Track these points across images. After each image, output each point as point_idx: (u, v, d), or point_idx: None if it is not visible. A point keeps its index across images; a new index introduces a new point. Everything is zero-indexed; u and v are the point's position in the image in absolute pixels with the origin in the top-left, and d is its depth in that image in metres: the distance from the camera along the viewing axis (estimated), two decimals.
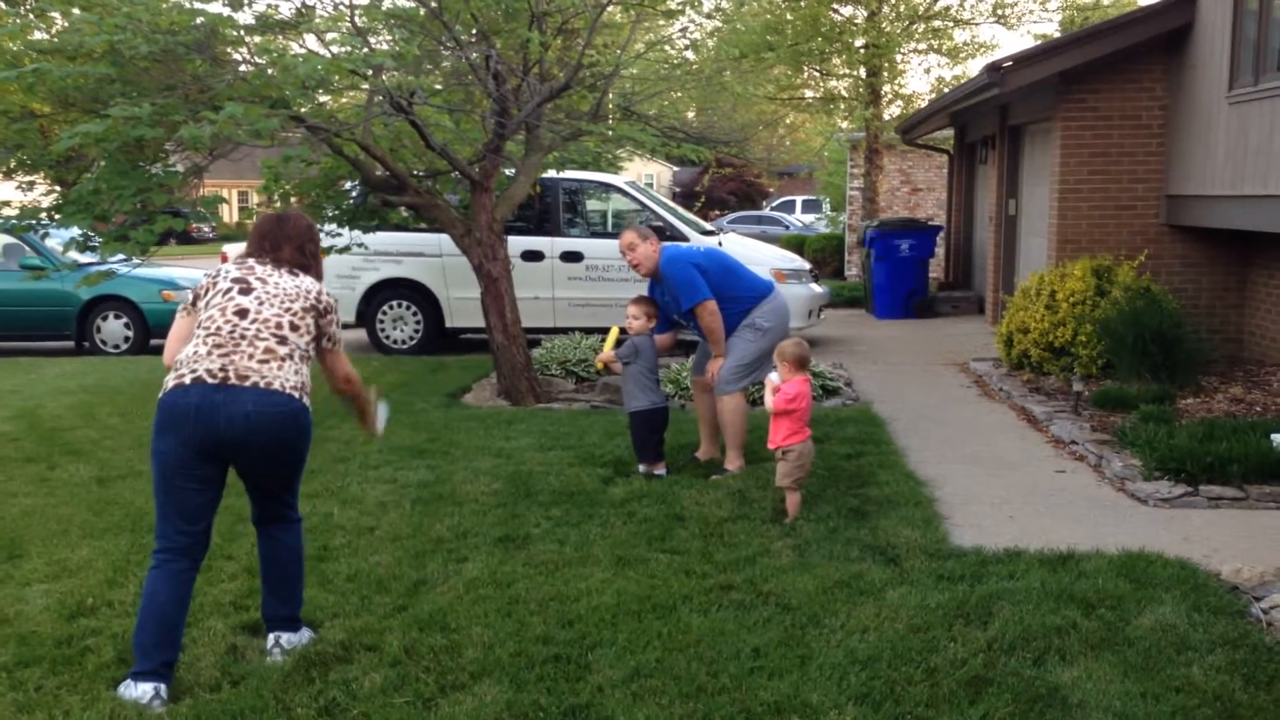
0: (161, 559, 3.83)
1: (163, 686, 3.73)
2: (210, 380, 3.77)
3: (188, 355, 3.86)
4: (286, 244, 4.12)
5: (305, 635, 4.16)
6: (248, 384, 3.79)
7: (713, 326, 6.49)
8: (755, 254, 12.59)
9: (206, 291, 4.00)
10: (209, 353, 3.82)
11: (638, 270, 6.65)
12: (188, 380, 3.79)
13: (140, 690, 3.70)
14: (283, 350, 3.89)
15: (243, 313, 3.89)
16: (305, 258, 4.14)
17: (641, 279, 6.90)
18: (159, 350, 15.03)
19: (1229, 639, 4.02)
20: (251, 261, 4.07)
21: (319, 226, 9.83)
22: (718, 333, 6.51)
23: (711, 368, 6.59)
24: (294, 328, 3.94)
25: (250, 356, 3.82)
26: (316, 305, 4.05)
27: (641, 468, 6.53)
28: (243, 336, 3.85)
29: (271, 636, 4.11)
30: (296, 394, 3.89)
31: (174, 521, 3.83)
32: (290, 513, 4.15)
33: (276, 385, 3.83)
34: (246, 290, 3.94)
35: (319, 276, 4.20)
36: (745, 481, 6.23)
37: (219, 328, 3.86)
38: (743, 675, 3.79)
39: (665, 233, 12.12)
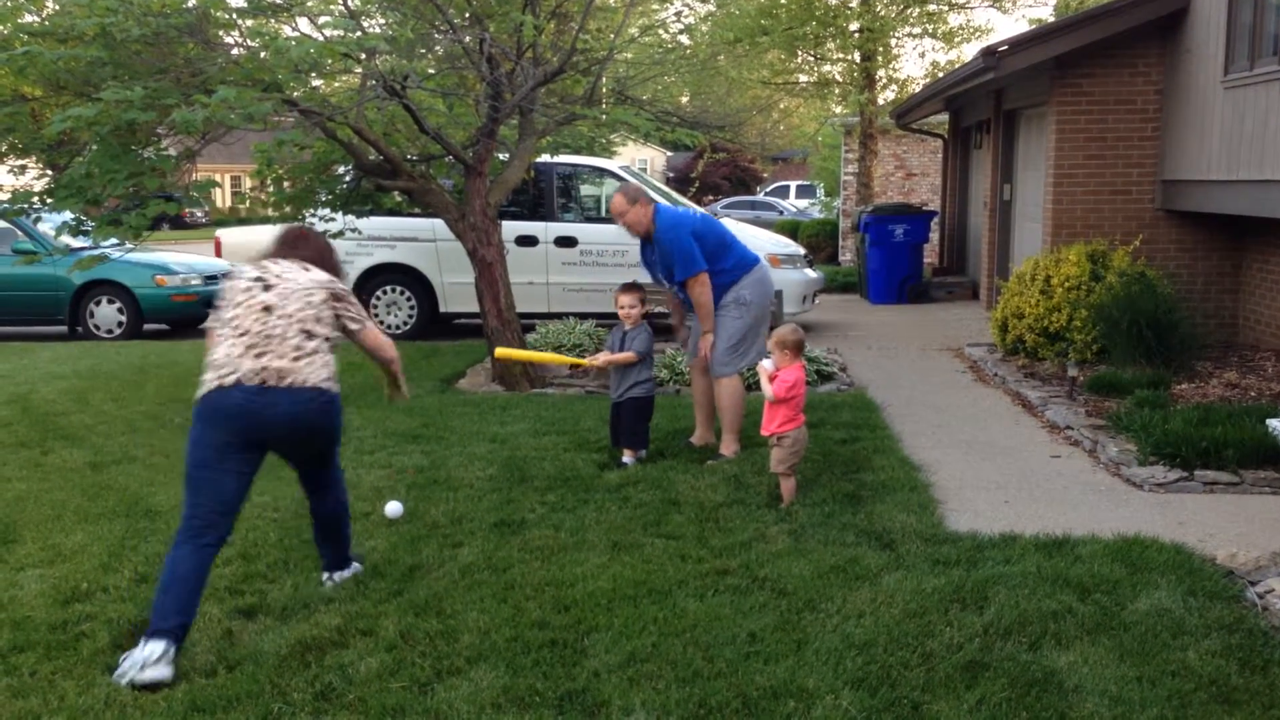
0: (185, 535, 3.98)
1: (174, 647, 3.81)
2: (249, 383, 4.00)
3: (222, 356, 4.06)
4: (305, 246, 4.41)
5: (353, 568, 4.66)
6: (285, 384, 4.04)
7: (703, 301, 6.45)
8: (749, 239, 12.56)
9: (228, 292, 4.24)
10: (242, 354, 4.04)
11: (630, 231, 6.63)
12: (229, 382, 4.01)
13: (151, 646, 3.75)
14: (310, 345, 4.14)
15: (268, 309, 4.12)
16: (323, 258, 4.43)
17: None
18: (152, 335, 14.99)
19: (1224, 623, 4.03)
20: (265, 261, 4.32)
21: (312, 211, 9.87)
22: (707, 307, 6.47)
23: (703, 345, 6.57)
24: (318, 320, 4.20)
25: (283, 356, 4.06)
26: (332, 290, 4.30)
27: (628, 457, 6.51)
28: (271, 335, 4.08)
29: (325, 574, 4.60)
30: (328, 385, 4.17)
31: (205, 508, 4.01)
32: (334, 474, 4.52)
33: (312, 382, 4.10)
34: (268, 287, 4.18)
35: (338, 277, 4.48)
36: (741, 466, 6.23)
37: (248, 328, 4.08)
38: (739, 660, 3.79)
39: None
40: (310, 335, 4.15)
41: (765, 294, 6.68)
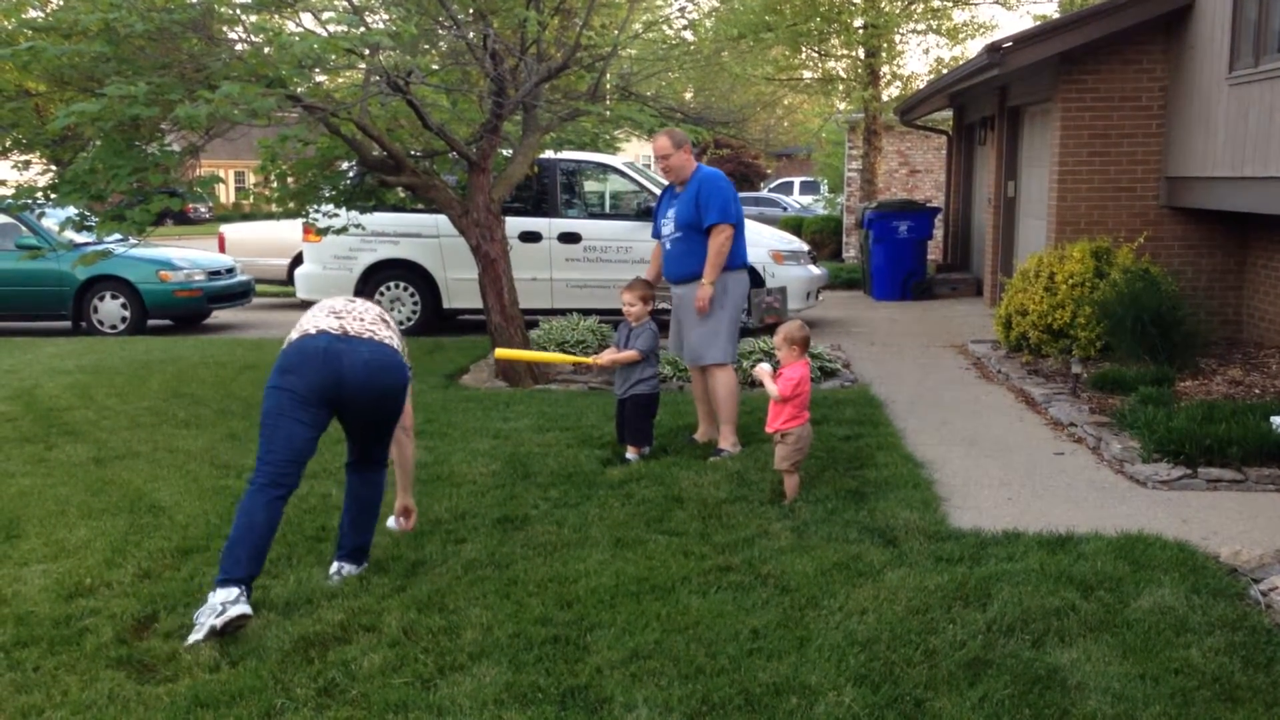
0: (259, 484, 4.22)
1: (246, 594, 4.02)
2: (332, 331, 4.36)
3: (306, 320, 4.45)
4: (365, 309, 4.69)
5: (363, 567, 4.70)
6: (364, 337, 4.40)
7: (722, 252, 6.54)
8: (753, 235, 12.54)
9: None
10: (326, 316, 4.46)
11: (668, 175, 6.75)
12: (312, 331, 4.36)
13: (223, 593, 3.98)
14: (386, 324, 4.59)
15: (351, 301, 4.65)
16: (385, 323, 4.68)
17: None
18: (156, 330, 14.96)
19: (1228, 621, 4.02)
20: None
21: (315, 206, 9.87)
22: (721, 259, 6.55)
23: (701, 294, 6.57)
24: (386, 324, 4.60)
25: (362, 321, 4.48)
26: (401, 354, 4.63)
27: (632, 454, 6.51)
28: (353, 310, 4.53)
29: (336, 564, 4.66)
30: (400, 354, 4.53)
31: (276, 457, 4.23)
32: (382, 458, 4.72)
33: (386, 342, 4.47)
34: (351, 303, 4.65)
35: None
36: (743, 463, 6.22)
37: (333, 306, 4.55)
38: (741, 656, 3.79)
39: None
40: (386, 324, 4.60)
41: (742, 294, 6.80)
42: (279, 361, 4.34)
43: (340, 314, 4.48)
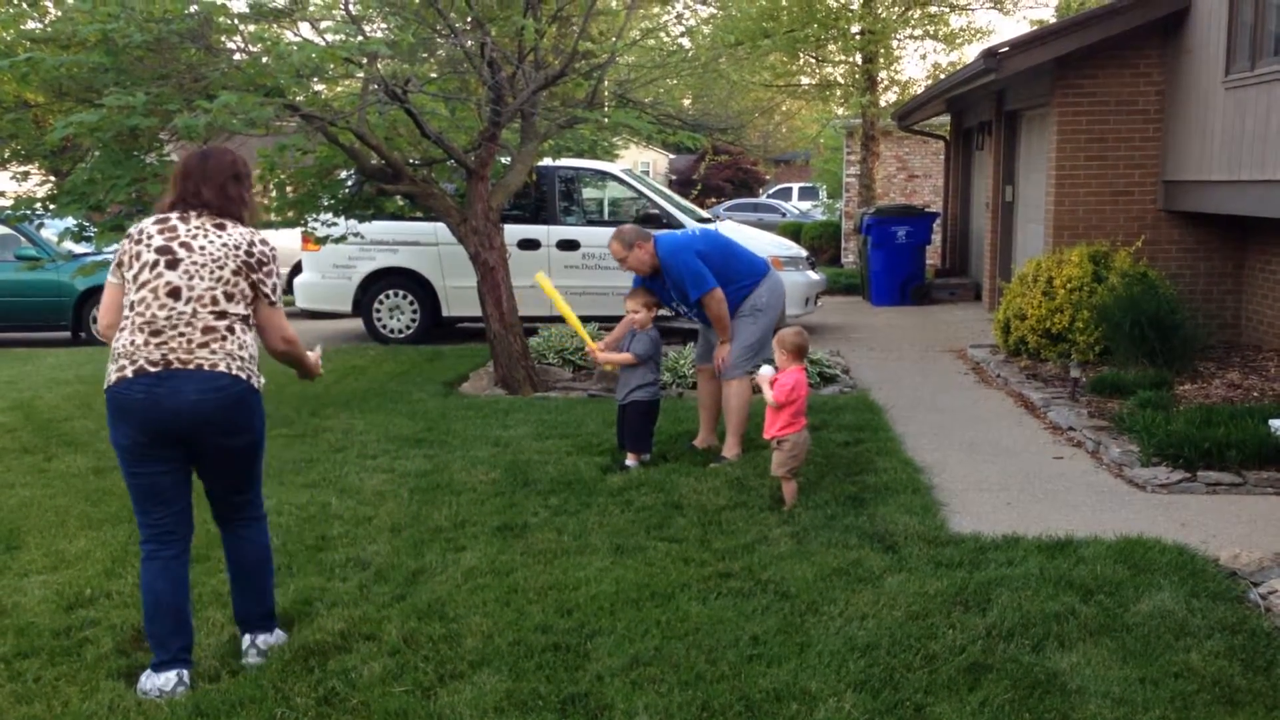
0: (150, 549, 3.81)
1: (184, 672, 3.76)
2: (152, 369, 3.64)
3: (126, 345, 3.69)
4: (206, 184, 3.84)
5: (281, 636, 4.08)
6: (190, 368, 3.66)
7: (721, 314, 6.47)
8: (752, 241, 12.54)
9: (131, 260, 3.76)
10: (146, 342, 3.66)
11: (636, 273, 6.63)
12: (130, 373, 3.66)
13: (163, 679, 3.71)
14: (222, 325, 3.73)
15: (175, 293, 3.68)
16: (228, 199, 3.86)
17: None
18: None
19: (1227, 624, 4.02)
20: (174, 219, 3.80)
21: (314, 215, 9.88)
22: (725, 320, 6.50)
23: (720, 354, 6.57)
24: (229, 296, 3.74)
25: (190, 340, 3.67)
26: (249, 260, 3.79)
27: (631, 460, 6.51)
28: (179, 320, 3.68)
29: (247, 638, 4.00)
30: (242, 374, 3.75)
31: (149, 509, 3.79)
32: (253, 508, 4.03)
33: (222, 367, 3.70)
34: (174, 263, 3.70)
35: (251, 217, 3.94)
36: (743, 469, 6.22)
37: (154, 315, 3.68)
38: (741, 663, 3.79)
39: (661, 220, 12.11)
40: (221, 315, 3.72)
41: (779, 297, 6.73)
42: (107, 408, 3.76)
43: (163, 334, 3.67)
